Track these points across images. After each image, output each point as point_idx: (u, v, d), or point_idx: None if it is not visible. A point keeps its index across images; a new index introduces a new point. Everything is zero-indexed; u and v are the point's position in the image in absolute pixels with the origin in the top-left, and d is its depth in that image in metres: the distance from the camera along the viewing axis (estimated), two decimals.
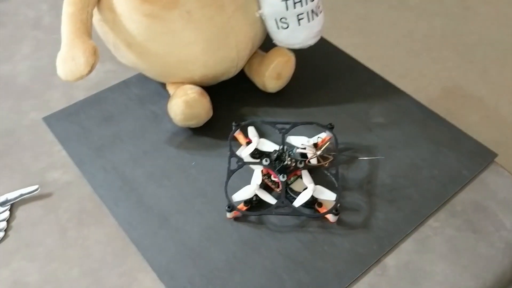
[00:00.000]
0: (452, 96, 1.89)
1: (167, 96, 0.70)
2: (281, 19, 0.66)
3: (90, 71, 0.59)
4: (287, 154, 0.61)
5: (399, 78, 1.94)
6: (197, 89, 0.67)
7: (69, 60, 0.59)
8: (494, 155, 0.68)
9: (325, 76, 0.79)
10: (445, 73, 1.97)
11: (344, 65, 0.81)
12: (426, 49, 2.07)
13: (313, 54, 0.79)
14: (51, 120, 0.72)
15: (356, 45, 2.07)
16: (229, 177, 0.61)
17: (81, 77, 0.59)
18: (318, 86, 0.77)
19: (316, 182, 0.62)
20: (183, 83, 0.69)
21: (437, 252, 0.59)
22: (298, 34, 0.68)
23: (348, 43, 2.06)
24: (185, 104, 0.65)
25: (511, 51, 2.04)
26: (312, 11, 0.66)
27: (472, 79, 1.94)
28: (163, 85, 0.75)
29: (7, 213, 0.61)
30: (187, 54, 0.65)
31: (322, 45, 0.83)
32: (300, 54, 0.73)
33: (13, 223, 0.61)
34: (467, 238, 0.60)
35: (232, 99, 0.75)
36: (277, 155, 0.61)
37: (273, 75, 0.71)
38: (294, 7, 0.64)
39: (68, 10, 0.61)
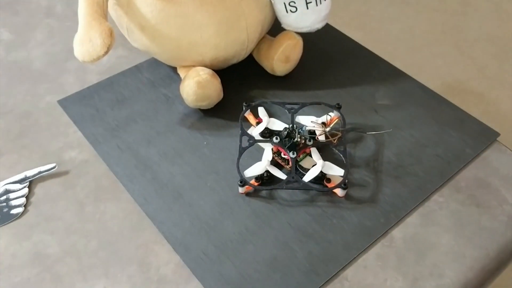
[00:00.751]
0: (452, 91, 1.91)
1: (178, 80, 0.72)
2: (289, 2, 0.68)
3: (106, 52, 0.61)
4: (296, 131, 0.64)
5: None
6: (208, 70, 0.69)
7: (87, 42, 0.61)
8: (497, 134, 0.70)
9: (332, 60, 0.81)
10: (446, 69, 1.99)
11: (350, 50, 0.83)
12: (427, 44, 2.09)
13: (320, 39, 0.81)
14: (66, 103, 0.74)
15: (357, 41, 2.10)
16: (240, 154, 0.63)
17: (98, 58, 0.61)
18: (325, 70, 0.79)
19: (325, 159, 0.64)
20: (194, 66, 0.71)
21: (442, 225, 0.61)
22: (306, 18, 0.70)
23: None
24: (198, 85, 0.67)
25: (511, 46, 2.07)
26: None
27: (472, 74, 1.96)
28: (174, 69, 0.77)
29: (26, 190, 0.63)
30: (199, 37, 0.67)
31: (328, 30, 0.86)
32: (307, 38, 0.76)
33: (32, 199, 0.63)
34: (471, 212, 0.62)
35: (242, 82, 0.77)
36: (287, 133, 0.63)
37: (282, 58, 0.73)
38: None
39: None
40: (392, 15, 2.24)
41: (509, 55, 2.03)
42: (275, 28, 0.74)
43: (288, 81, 0.77)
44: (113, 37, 0.62)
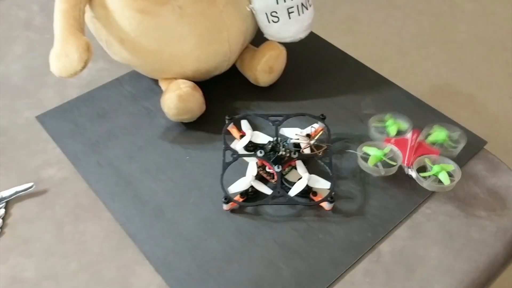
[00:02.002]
0: (442, 93, 1.91)
1: (160, 93, 0.71)
2: (271, 13, 0.67)
3: (84, 67, 0.60)
4: (281, 144, 0.62)
5: (389, 76, 1.96)
6: (190, 83, 0.67)
7: (63, 57, 0.59)
8: (484, 142, 0.69)
9: (317, 70, 0.80)
10: (434, 71, 1.99)
11: (335, 59, 0.82)
12: (415, 47, 2.09)
13: (304, 48, 0.80)
14: (44, 118, 0.72)
15: (345, 45, 2.09)
16: (224, 169, 0.61)
17: (75, 73, 0.60)
18: (310, 79, 0.78)
19: (311, 171, 0.63)
20: (176, 78, 0.70)
21: (431, 237, 0.60)
22: (289, 28, 0.69)
23: (337, 43, 2.08)
24: (179, 98, 0.65)
25: (499, 47, 2.07)
26: (302, 4, 0.67)
27: (461, 76, 1.97)
28: (156, 82, 0.75)
29: (2, 211, 0.61)
30: (180, 49, 0.66)
31: (313, 39, 0.84)
32: (291, 48, 0.74)
33: (9, 221, 0.61)
34: (459, 223, 0.61)
35: (225, 93, 0.75)
36: (272, 146, 0.62)
37: (265, 68, 0.72)
38: (284, 1, 0.66)
39: (60, 7, 0.61)
40: (380, 18, 2.24)
41: (497, 56, 2.03)
42: (259, 38, 0.72)
43: (272, 92, 0.76)
44: (90, 52, 0.60)
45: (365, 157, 0.64)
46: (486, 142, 0.69)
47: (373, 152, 0.63)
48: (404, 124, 0.68)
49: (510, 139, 1.70)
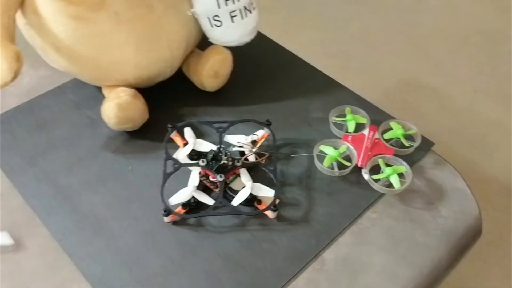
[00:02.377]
0: (408, 88, 1.93)
1: (103, 100, 0.68)
2: (214, 17, 0.65)
3: (14, 78, 0.57)
4: (223, 153, 0.61)
5: (357, 72, 1.96)
6: (130, 91, 0.65)
7: None
8: (431, 144, 0.69)
9: (266, 73, 0.79)
10: (401, 66, 2.00)
11: (285, 61, 0.81)
12: (382, 42, 2.10)
13: (253, 50, 0.78)
14: None
15: (313, 41, 2.09)
16: (165, 180, 0.60)
17: (5, 84, 0.57)
18: (259, 83, 0.77)
19: (257, 179, 0.61)
20: (118, 86, 0.68)
21: (375, 243, 0.59)
22: (233, 32, 0.67)
23: (305, 40, 2.08)
24: (118, 107, 0.63)
25: (463, 42, 2.10)
26: (245, 8, 0.65)
27: (427, 70, 1.98)
28: (100, 89, 0.73)
29: None
30: (118, 56, 0.63)
31: (263, 41, 0.83)
32: (240, 51, 0.73)
33: None
34: (404, 227, 0.61)
35: (171, 99, 0.73)
36: (213, 155, 0.60)
37: (211, 73, 0.70)
38: (226, 5, 0.64)
39: None
40: (347, 14, 2.24)
41: (462, 50, 2.05)
42: (207, 41, 0.70)
43: (219, 97, 0.74)
44: (20, 62, 0.57)
45: (322, 156, 0.64)
46: (433, 144, 0.68)
47: (329, 151, 0.63)
48: (362, 119, 0.68)
49: (474, 132, 1.73)
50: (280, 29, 2.07)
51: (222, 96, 0.74)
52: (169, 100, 0.73)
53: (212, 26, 0.67)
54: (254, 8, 0.68)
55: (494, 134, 1.71)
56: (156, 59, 0.65)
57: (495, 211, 1.46)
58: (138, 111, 0.65)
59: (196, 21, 0.67)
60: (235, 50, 0.72)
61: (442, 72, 1.97)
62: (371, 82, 1.92)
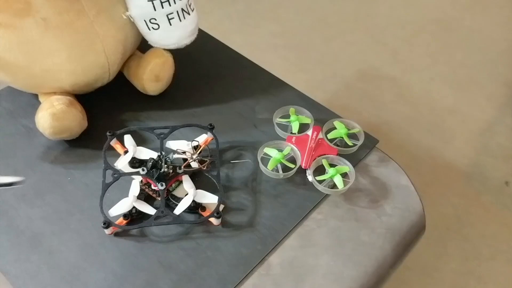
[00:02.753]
0: (367, 77, 1.94)
1: (37, 110, 0.65)
2: (150, 19, 0.63)
3: None
4: (163, 161, 0.59)
5: (316, 63, 1.97)
6: (65, 99, 0.63)
7: None
8: (376, 141, 0.69)
9: (211, 74, 0.77)
10: (360, 56, 2.02)
11: (230, 61, 0.80)
12: (340, 33, 2.11)
13: (197, 51, 0.77)
14: None
15: (273, 33, 2.08)
16: (104, 191, 0.58)
17: None
18: (203, 85, 0.75)
19: (201, 186, 0.60)
20: (55, 93, 0.65)
21: (321, 244, 0.59)
22: (171, 34, 0.66)
23: (264, 32, 2.06)
24: (52, 117, 0.61)
25: (419, 31, 2.13)
26: (183, 9, 0.64)
27: (385, 59, 2.01)
28: (37, 96, 0.70)
29: None
30: (51, 63, 0.61)
31: (207, 41, 0.81)
32: (183, 52, 0.71)
33: None
34: (350, 227, 0.61)
35: (112, 105, 0.71)
36: (153, 163, 0.59)
37: (151, 77, 0.68)
38: (162, 7, 0.62)
39: None
40: (305, 5, 2.24)
41: (419, 39, 2.09)
42: (148, 43, 0.68)
43: (163, 100, 0.72)
44: None
45: (266, 158, 0.63)
46: (378, 141, 0.69)
47: (273, 154, 0.62)
48: (307, 119, 0.68)
49: (432, 119, 1.76)
50: (239, 21, 2.06)
51: (165, 100, 0.72)
52: (109, 105, 0.71)
53: (149, 29, 0.65)
54: (192, 10, 0.66)
55: (451, 121, 1.75)
56: (92, 65, 0.63)
57: (454, 196, 1.49)
58: (74, 120, 0.63)
59: (133, 24, 0.65)
60: (177, 52, 0.70)
61: (399, 60, 1.99)
62: (331, 73, 1.93)
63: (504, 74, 1.94)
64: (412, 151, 1.51)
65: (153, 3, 0.61)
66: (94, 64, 0.63)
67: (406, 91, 1.89)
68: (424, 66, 1.99)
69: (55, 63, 0.61)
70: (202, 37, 0.70)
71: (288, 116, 0.68)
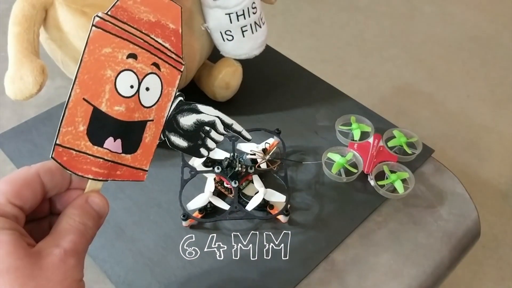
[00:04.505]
0: (403, 93, 1.97)
1: None
2: (226, 31, 0.69)
3: (39, 90, 0.60)
4: (237, 160, 0.64)
5: (352, 78, 2.01)
6: None
7: (18, 80, 0.60)
8: (431, 150, 0.73)
9: (273, 83, 0.82)
10: (396, 72, 2.05)
11: (291, 72, 0.85)
12: (377, 48, 2.15)
13: (261, 62, 0.82)
14: (2, 139, 0.72)
15: (309, 47, 2.13)
16: (182, 186, 0.63)
17: (31, 96, 0.60)
18: (267, 93, 0.81)
19: (268, 185, 0.65)
20: None
21: (381, 244, 0.63)
22: (243, 45, 0.71)
23: (301, 46, 2.12)
24: None
25: (456, 48, 2.15)
26: (255, 23, 0.69)
27: (421, 76, 2.03)
28: None
29: None
30: None
31: (269, 53, 0.86)
32: (249, 62, 0.76)
33: None
34: (408, 229, 0.64)
35: None
36: (228, 162, 0.64)
37: (222, 85, 0.74)
38: (238, 20, 0.67)
39: (14, 30, 0.61)
40: (342, 20, 2.29)
41: (454, 56, 2.11)
42: (218, 53, 0.74)
43: (230, 106, 0.78)
44: (45, 74, 0.60)
45: (329, 163, 0.68)
46: (433, 151, 0.72)
47: (336, 158, 0.67)
48: (367, 127, 0.72)
49: (467, 136, 1.77)
50: (277, 35, 2.12)
51: (233, 106, 0.78)
52: None
53: (224, 40, 0.70)
54: (263, 23, 0.71)
55: (487, 139, 1.76)
56: None
57: (490, 214, 1.50)
58: None
59: (208, 35, 0.71)
60: (244, 62, 0.75)
61: (436, 77, 2.02)
62: (367, 88, 1.97)
63: None
64: (449, 168, 1.53)
65: (229, 16, 0.67)
66: None
67: (442, 107, 1.90)
68: (460, 83, 2.00)
69: None
70: (265, 48, 0.75)
71: (348, 124, 0.72)
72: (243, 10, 0.66)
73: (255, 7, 0.68)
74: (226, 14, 0.67)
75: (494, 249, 1.41)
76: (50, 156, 0.39)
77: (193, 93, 0.78)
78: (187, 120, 0.48)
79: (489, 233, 1.46)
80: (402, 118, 1.82)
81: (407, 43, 2.17)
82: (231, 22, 0.68)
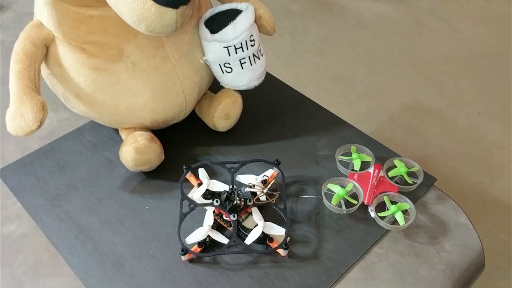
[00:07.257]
0: (412, 111, 1.96)
1: (121, 142, 0.72)
2: (224, 64, 0.69)
3: (39, 126, 0.61)
4: (236, 193, 0.64)
5: (361, 96, 2.00)
6: (147, 135, 0.69)
7: (18, 117, 0.61)
8: (433, 179, 0.72)
9: (273, 112, 0.82)
10: (404, 89, 2.04)
11: (291, 100, 0.85)
12: (385, 66, 2.14)
13: (261, 91, 0.82)
14: (5, 173, 0.73)
15: (318, 66, 2.14)
16: (181, 220, 0.63)
17: (31, 132, 0.61)
18: (267, 122, 0.81)
19: (268, 217, 0.65)
20: (135, 128, 0.72)
21: (383, 278, 0.62)
22: (242, 77, 0.71)
23: (309, 65, 2.13)
24: (136, 151, 0.67)
25: (464, 64, 2.13)
26: (254, 55, 0.70)
27: (430, 93, 2.02)
28: (116, 130, 0.77)
29: None
30: (135, 102, 0.67)
31: (271, 82, 0.87)
32: (248, 92, 0.77)
33: None
34: (410, 262, 0.63)
35: (185, 140, 0.77)
36: (227, 196, 0.64)
37: (222, 115, 0.74)
38: (236, 53, 0.68)
39: (15, 68, 0.62)
40: (350, 39, 2.29)
41: (464, 73, 2.09)
42: (218, 84, 0.75)
43: (231, 136, 0.78)
44: (45, 110, 0.61)
45: (329, 194, 0.67)
46: (436, 179, 0.72)
47: (336, 189, 0.66)
48: (367, 157, 0.71)
49: (478, 154, 1.75)
50: (285, 55, 2.13)
51: (233, 136, 0.78)
52: (183, 140, 0.77)
53: (223, 72, 0.71)
54: (262, 54, 0.72)
55: (498, 156, 1.73)
56: (171, 104, 0.69)
57: (503, 233, 1.47)
58: (154, 153, 0.69)
59: (208, 67, 0.71)
60: (244, 91, 0.76)
61: (445, 94, 2.00)
62: (375, 105, 1.96)
63: None
64: (458, 187, 1.50)
65: (228, 50, 0.67)
66: (173, 104, 0.69)
67: (451, 125, 1.88)
68: (470, 100, 1.98)
69: (139, 102, 0.67)
70: (266, 76, 0.75)
71: (348, 154, 0.72)
72: (241, 43, 0.67)
73: (253, 40, 0.68)
74: (224, 47, 0.67)
75: (508, 269, 1.38)
76: None
77: (194, 123, 0.78)
78: None
79: (503, 253, 1.42)
80: (411, 136, 1.80)
81: (416, 60, 2.16)
82: (229, 55, 0.68)
